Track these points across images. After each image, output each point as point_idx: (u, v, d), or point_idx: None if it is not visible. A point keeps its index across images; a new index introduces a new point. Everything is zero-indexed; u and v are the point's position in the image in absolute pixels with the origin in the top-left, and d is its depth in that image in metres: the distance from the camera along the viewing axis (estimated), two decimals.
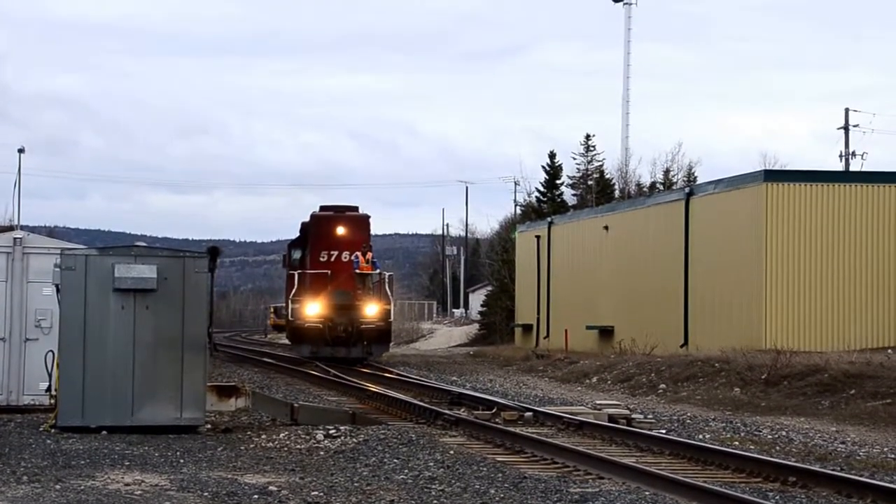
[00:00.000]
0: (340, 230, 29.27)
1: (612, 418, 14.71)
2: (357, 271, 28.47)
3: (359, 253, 28.59)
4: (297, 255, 31.30)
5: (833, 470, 10.61)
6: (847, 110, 52.14)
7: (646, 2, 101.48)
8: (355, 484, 9.75)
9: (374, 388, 19.33)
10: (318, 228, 29.72)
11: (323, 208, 30.68)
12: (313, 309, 28.23)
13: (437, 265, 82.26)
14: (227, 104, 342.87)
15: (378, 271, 29.20)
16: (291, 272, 30.11)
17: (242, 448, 12.11)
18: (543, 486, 9.71)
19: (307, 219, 30.58)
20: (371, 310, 28.10)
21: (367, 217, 30.07)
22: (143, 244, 15.20)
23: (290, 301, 29.00)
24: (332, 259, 29.10)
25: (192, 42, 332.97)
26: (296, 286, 28.83)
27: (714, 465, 11.01)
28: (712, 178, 32.87)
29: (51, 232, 71.67)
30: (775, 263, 27.75)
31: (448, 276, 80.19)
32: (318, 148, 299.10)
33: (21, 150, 58.56)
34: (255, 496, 9.06)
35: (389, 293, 28.89)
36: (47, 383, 14.17)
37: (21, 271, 15.75)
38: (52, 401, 13.73)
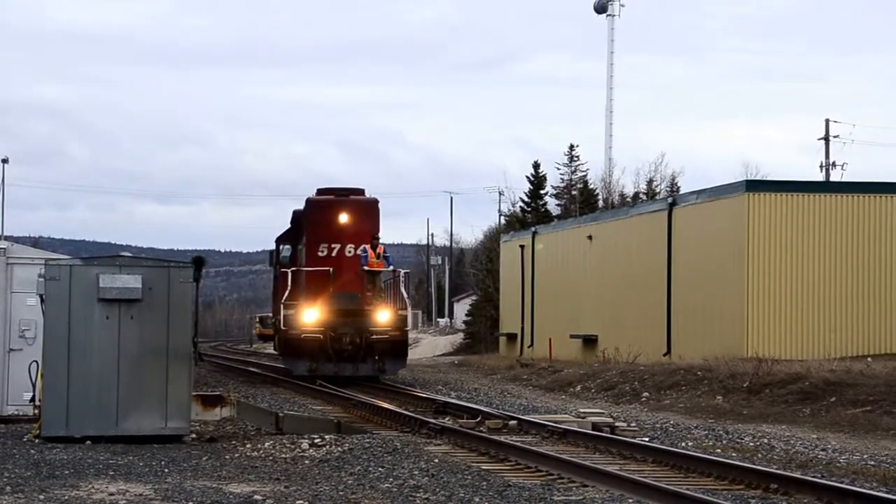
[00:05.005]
0: (343, 218, 23.75)
1: (595, 426, 14.78)
2: (365, 268, 23.26)
3: (367, 246, 23.31)
4: (287, 251, 26.47)
5: (814, 477, 10.71)
6: (827, 121, 52.64)
7: (630, 13, 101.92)
8: (340, 492, 9.78)
9: (359, 396, 19.32)
10: (315, 216, 24.15)
11: (321, 191, 24.92)
12: (311, 315, 22.99)
13: (422, 275, 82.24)
14: (214, 114, 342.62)
15: (391, 268, 24.01)
16: (283, 271, 24.78)
17: (227, 457, 12.12)
18: (528, 493, 9.77)
19: (301, 206, 25.27)
20: (383, 316, 23.07)
21: (375, 202, 24.39)
22: (128, 254, 15.19)
23: (281, 306, 23.56)
24: (334, 254, 23.73)
25: (179, 52, 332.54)
26: (289, 288, 23.40)
27: (697, 473, 11.09)
28: (695, 189, 33.14)
29: (35, 242, 71.32)
30: (757, 272, 27.94)
31: (433, 285, 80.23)
32: (305, 158, 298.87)
33: (5, 161, 58.40)
34: None
35: (405, 295, 23.85)
36: (31, 393, 14.14)
37: (5, 282, 15.72)
38: (36, 411, 13.70)
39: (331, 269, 23.59)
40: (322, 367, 22.93)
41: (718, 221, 29.51)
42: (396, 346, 23.28)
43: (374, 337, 22.88)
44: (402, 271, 24.89)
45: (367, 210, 24.19)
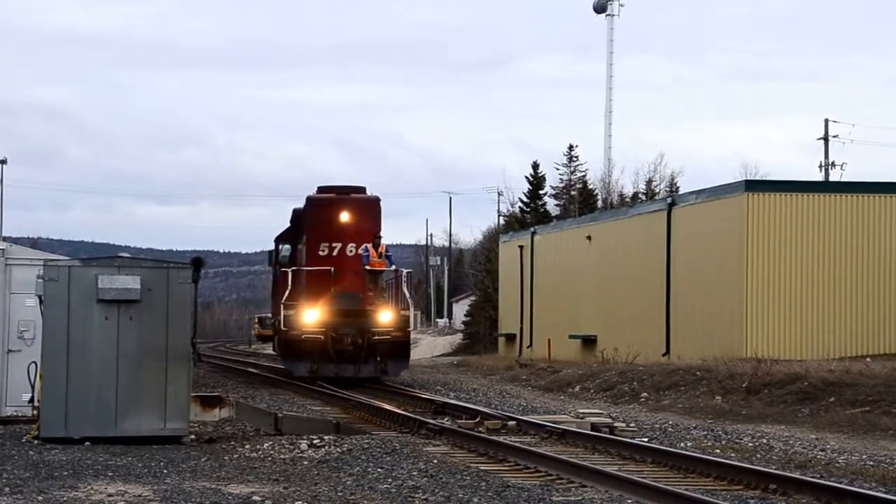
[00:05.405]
0: (345, 216, 23.48)
1: (594, 427, 14.79)
2: (367, 268, 22.98)
3: (368, 245, 23.05)
4: (287, 250, 26.34)
5: (813, 477, 10.72)
6: (826, 121, 52.63)
7: (629, 13, 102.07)
8: (339, 493, 9.79)
9: (358, 397, 19.31)
10: (316, 214, 23.90)
11: (322, 189, 24.64)
12: (312, 316, 22.69)
13: (421, 275, 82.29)
14: (213, 115, 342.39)
15: (393, 268, 23.83)
16: (283, 270, 24.55)
17: (226, 458, 12.12)
18: (527, 494, 9.77)
19: (300, 205, 25.01)
20: (385, 317, 22.78)
21: (377, 200, 24.15)
22: (127, 255, 15.20)
23: (281, 306, 23.28)
24: (335, 253, 23.46)
25: (178, 53, 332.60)
26: (289, 288, 23.13)
27: (696, 473, 11.09)
28: (694, 189, 33.15)
29: (34, 243, 71.29)
30: (756, 272, 27.95)
31: (432, 286, 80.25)
32: (304, 159, 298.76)
33: (4, 161, 58.41)
34: None
35: (407, 295, 23.52)
36: (30, 394, 14.14)
37: (4, 282, 15.72)
38: (35, 412, 13.70)
39: (332, 268, 23.28)
40: (323, 368, 22.63)
41: (717, 221, 29.52)
42: (399, 346, 22.92)
43: (376, 338, 22.56)
44: (405, 271, 24.54)
45: (369, 208, 23.88)
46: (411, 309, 23.56)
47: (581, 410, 16.80)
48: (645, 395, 22.59)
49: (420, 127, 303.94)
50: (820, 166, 52.31)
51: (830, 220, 28.36)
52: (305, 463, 11.78)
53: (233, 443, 13.44)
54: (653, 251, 32.34)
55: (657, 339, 31.26)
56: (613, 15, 66.28)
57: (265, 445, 12.90)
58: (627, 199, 57.84)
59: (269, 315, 32.90)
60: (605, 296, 35.59)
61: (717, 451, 13.51)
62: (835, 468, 12.02)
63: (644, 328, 32.14)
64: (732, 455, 12.97)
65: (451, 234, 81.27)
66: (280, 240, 27.16)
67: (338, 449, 12.53)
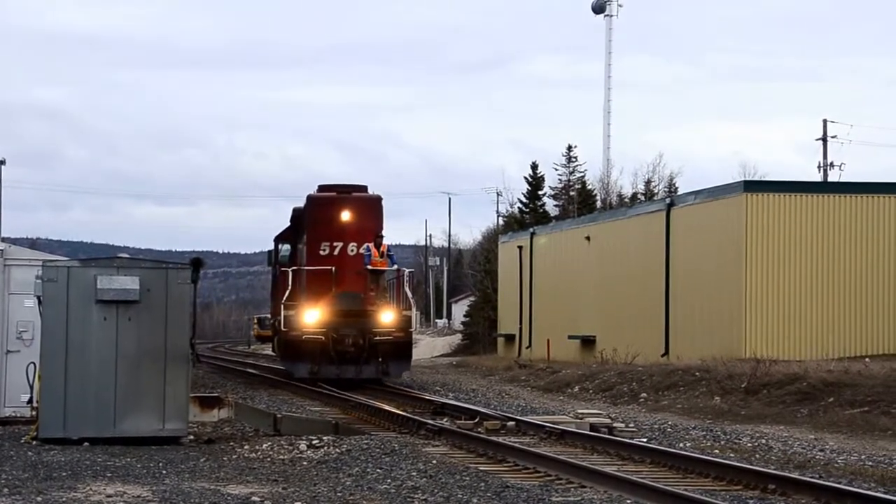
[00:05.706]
0: (346, 215, 23.20)
1: (593, 427, 14.80)
2: (368, 267, 22.80)
3: (370, 244, 22.88)
4: (286, 250, 26.18)
5: (812, 477, 10.73)
6: (825, 122, 52.68)
7: (628, 13, 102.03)
8: (338, 494, 9.79)
9: (357, 398, 19.31)
10: (317, 213, 23.61)
11: (322, 188, 24.31)
12: (312, 316, 22.39)
13: (420, 276, 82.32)
14: (212, 116, 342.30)
15: (395, 267, 23.58)
16: (283, 270, 24.26)
17: (225, 459, 12.12)
18: (526, 494, 9.78)
19: (301, 203, 24.71)
20: (387, 317, 22.49)
21: (378, 199, 23.87)
22: (126, 256, 15.20)
23: (282, 306, 23.05)
24: (336, 252, 23.18)
25: (178, 53, 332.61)
26: (289, 288, 22.88)
27: (695, 474, 11.10)
28: (693, 189, 33.17)
29: (33, 244, 71.21)
30: (755, 273, 27.96)
31: (431, 286, 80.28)
32: (304, 159, 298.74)
33: (2, 162, 58.28)
34: None
35: (409, 295, 23.37)
36: (29, 395, 14.14)
37: (2, 283, 15.73)
38: (34, 412, 13.70)
39: (333, 268, 22.95)
40: (324, 369, 22.37)
41: (716, 222, 29.54)
42: (400, 347, 22.63)
43: (378, 338, 22.27)
44: (407, 270, 24.28)
45: (370, 207, 23.60)
46: (413, 309, 23.24)
47: (580, 411, 16.80)
48: (644, 395, 22.59)
49: (420, 127, 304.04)
50: (818, 167, 52.40)
51: (829, 220, 28.38)
52: (304, 463, 11.78)
53: (232, 443, 13.44)
54: (652, 252, 32.35)
55: (656, 340, 31.26)
56: (612, 15, 66.39)
57: (264, 446, 12.90)
58: (626, 200, 57.86)
59: (269, 315, 32.75)
60: (605, 296, 35.60)
61: (716, 451, 13.52)
62: (834, 468, 12.02)
63: (643, 328, 32.14)
64: (731, 455, 12.98)
65: (450, 235, 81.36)
66: (280, 239, 26.97)
67: (337, 449, 12.53)
